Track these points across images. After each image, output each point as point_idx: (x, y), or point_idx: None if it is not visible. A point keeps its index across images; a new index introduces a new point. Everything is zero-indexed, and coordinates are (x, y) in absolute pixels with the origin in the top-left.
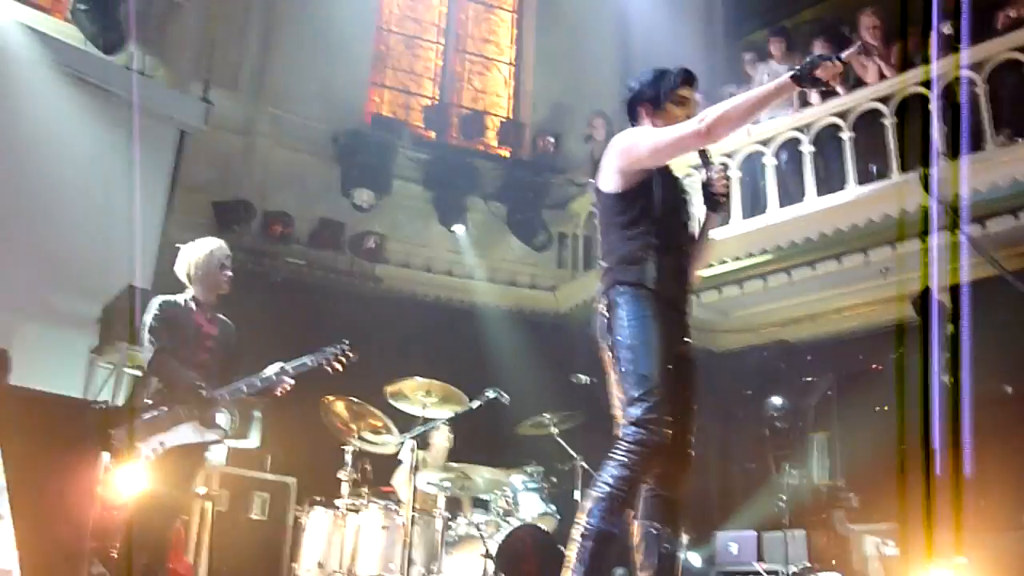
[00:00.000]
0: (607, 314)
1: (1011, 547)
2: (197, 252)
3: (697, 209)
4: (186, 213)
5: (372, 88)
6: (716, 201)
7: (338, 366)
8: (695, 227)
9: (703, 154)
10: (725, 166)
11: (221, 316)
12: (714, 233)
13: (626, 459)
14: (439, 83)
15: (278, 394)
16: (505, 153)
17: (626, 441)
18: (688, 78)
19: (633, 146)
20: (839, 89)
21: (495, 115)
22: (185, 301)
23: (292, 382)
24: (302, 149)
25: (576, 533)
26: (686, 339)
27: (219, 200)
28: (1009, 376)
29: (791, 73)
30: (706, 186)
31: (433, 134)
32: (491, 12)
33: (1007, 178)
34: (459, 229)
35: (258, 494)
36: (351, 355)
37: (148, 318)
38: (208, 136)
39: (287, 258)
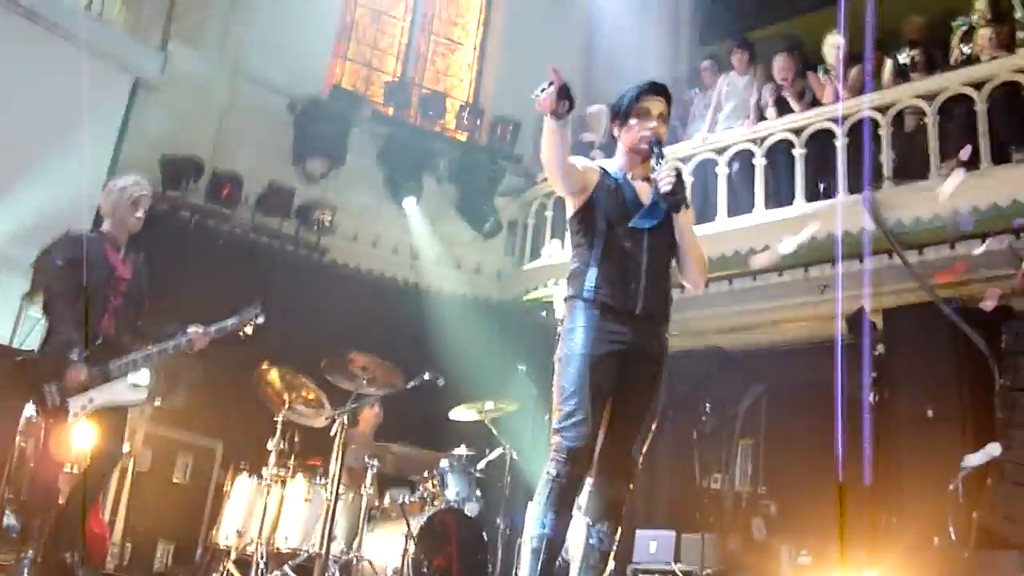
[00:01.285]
0: (560, 329)
1: (920, 565)
2: (113, 186)
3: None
4: (134, 165)
5: (334, 59)
6: (668, 199)
7: (248, 330)
8: (671, 231)
9: (659, 156)
10: (677, 168)
11: (134, 256)
12: (697, 230)
13: (550, 466)
14: (402, 60)
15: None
16: (462, 137)
17: (551, 449)
18: (651, 89)
19: None
20: (795, 106)
21: (455, 98)
22: (94, 236)
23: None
24: (258, 112)
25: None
26: (646, 344)
27: (169, 155)
28: (931, 399)
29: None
30: (656, 189)
31: (391, 111)
32: None
33: (947, 209)
34: (409, 203)
35: (182, 456)
36: (260, 319)
37: (57, 258)
38: (163, 89)
39: (233, 220)
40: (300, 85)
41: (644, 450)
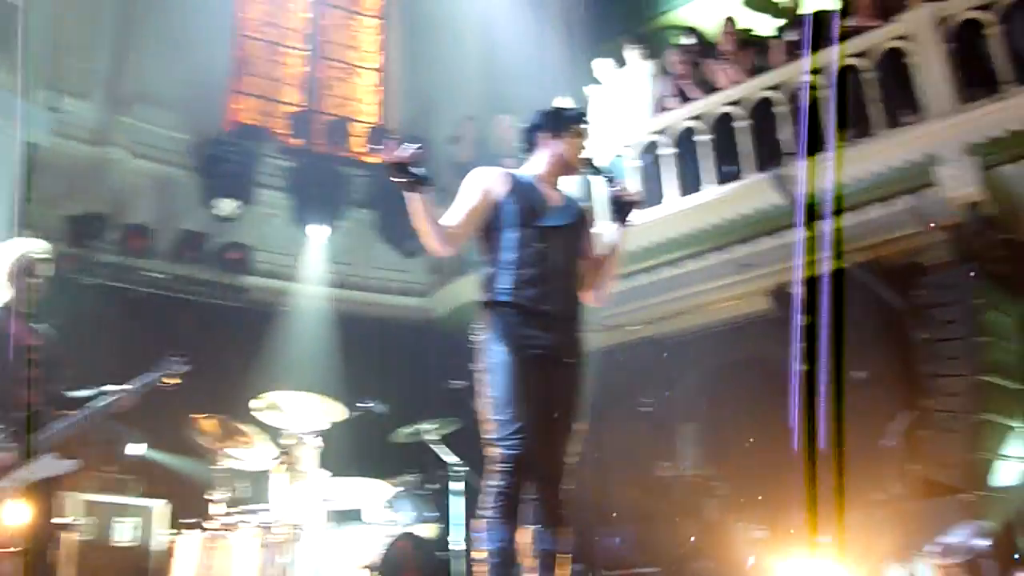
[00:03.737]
0: (477, 339)
1: (864, 522)
2: (4, 256)
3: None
4: (37, 228)
5: (233, 95)
6: (627, 209)
7: (170, 382)
8: (581, 235)
9: (594, 168)
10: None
11: (39, 326)
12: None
13: (492, 479)
14: (303, 90)
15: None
16: (373, 159)
17: (491, 461)
18: (583, 117)
19: None
20: (693, 95)
21: (362, 122)
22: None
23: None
24: (160, 159)
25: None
26: (564, 346)
27: (71, 214)
28: (859, 362)
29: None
30: (616, 200)
31: (298, 141)
32: (352, 19)
33: (849, 177)
34: (317, 231)
35: (123, 520)
36: (183, 368)
37: None
38: (59, 147)
39: (148, 272)
40: (200, 126)
41: (574, 451)
